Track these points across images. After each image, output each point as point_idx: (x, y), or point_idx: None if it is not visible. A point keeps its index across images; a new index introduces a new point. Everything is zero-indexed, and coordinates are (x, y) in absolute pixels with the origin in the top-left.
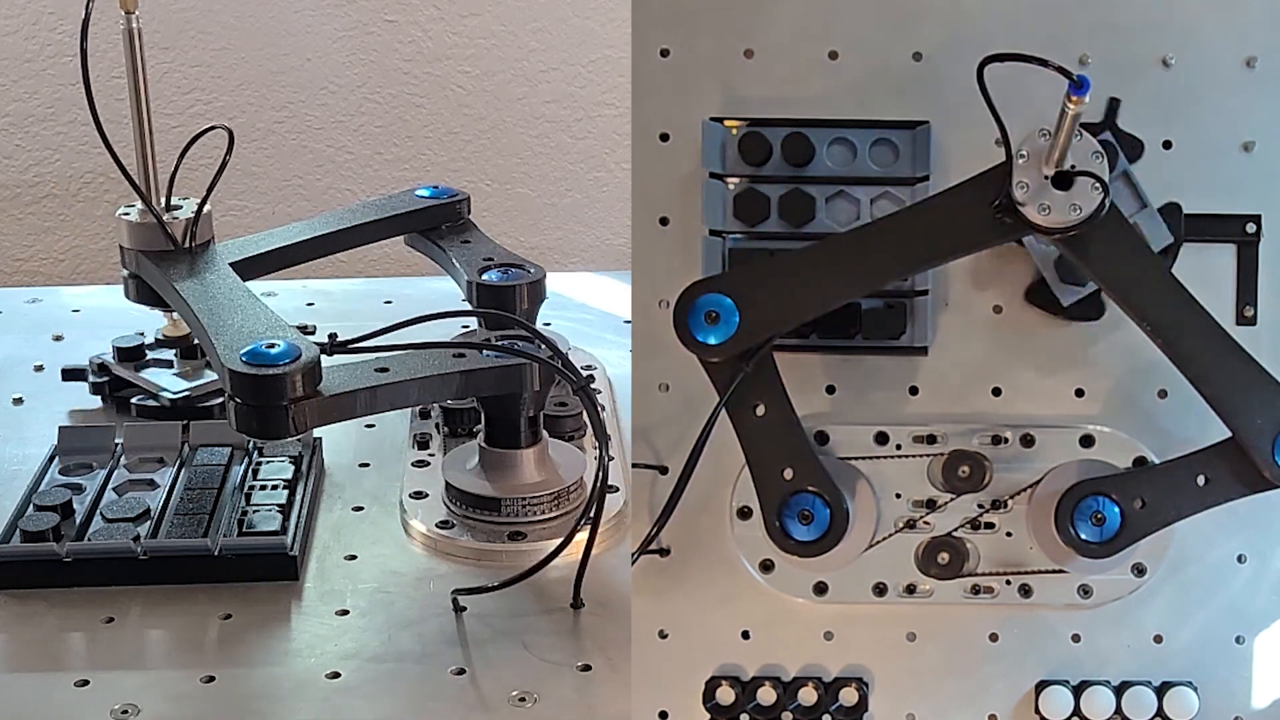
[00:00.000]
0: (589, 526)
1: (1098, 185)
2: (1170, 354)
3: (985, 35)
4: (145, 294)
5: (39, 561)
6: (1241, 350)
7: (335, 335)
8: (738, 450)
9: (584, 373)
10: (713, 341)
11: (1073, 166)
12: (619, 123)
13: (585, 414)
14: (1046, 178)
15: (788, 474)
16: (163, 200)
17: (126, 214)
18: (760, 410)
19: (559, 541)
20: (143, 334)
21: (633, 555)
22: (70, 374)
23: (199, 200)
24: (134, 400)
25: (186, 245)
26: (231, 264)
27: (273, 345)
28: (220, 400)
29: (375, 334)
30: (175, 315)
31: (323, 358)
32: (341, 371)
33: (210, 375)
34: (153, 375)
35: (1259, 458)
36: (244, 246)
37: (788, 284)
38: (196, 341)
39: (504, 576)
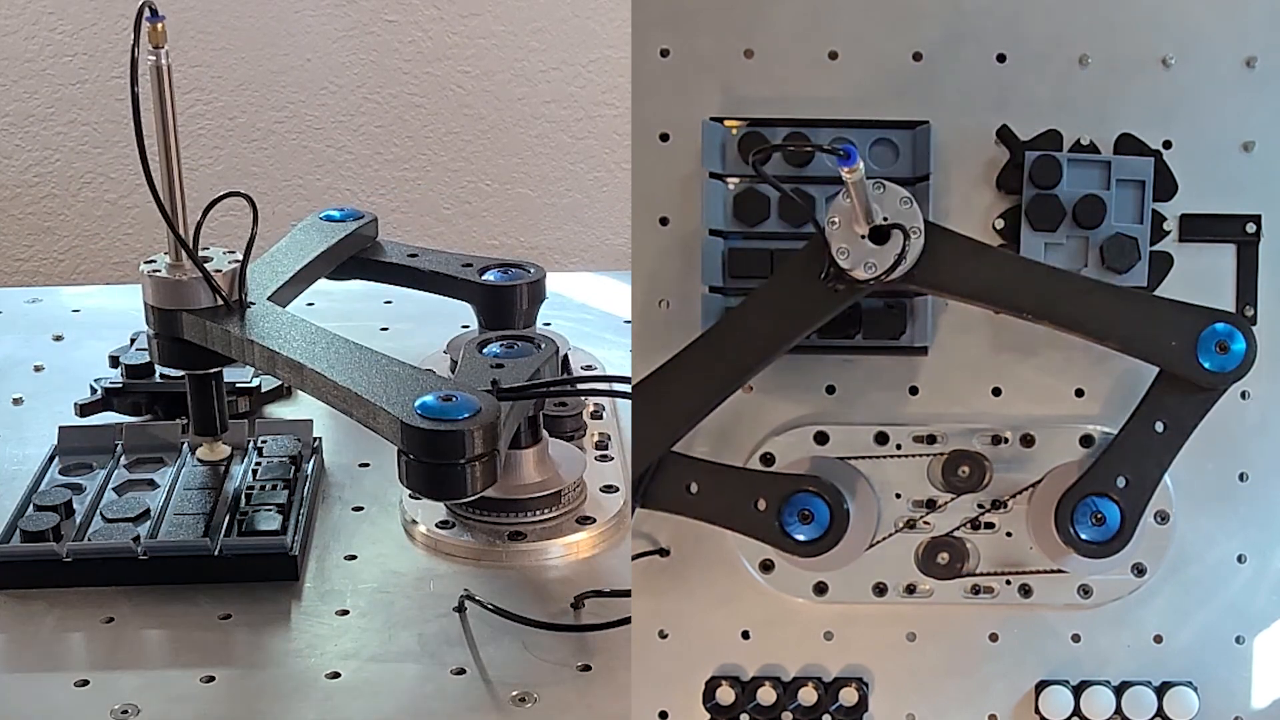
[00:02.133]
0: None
1: (914, 229)
2: (1065, 329)
3: (985, 35)
4: (185, 356)
5: (39, 561)
6: (1122, 291)
7: (497, 382)
8: (738, 450)
9: (584, 373)
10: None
11: (885, 219)
12: (619, 123)
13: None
14: (863, 237)
15: (761, 504)
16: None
17: (154, 269)
18: (694, 488)
19: (560, 543)
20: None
21: (634, 556)
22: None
23: (225, 250)
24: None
25: (238, 300)
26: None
27: (449, 399)
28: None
29: (541, 385)
30: (211, 441)
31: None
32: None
33: None
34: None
35: (1190, 374)
36: (262, 281)
37: (657, 406)
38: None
39: (504, 577)
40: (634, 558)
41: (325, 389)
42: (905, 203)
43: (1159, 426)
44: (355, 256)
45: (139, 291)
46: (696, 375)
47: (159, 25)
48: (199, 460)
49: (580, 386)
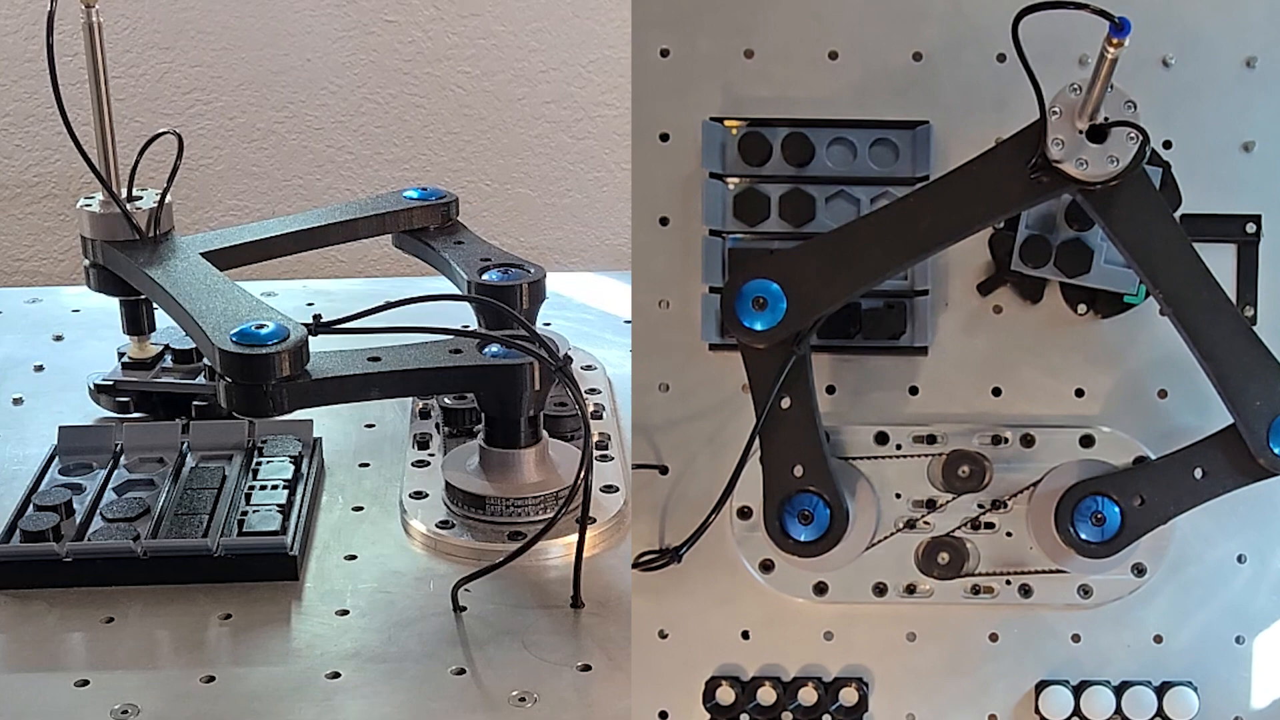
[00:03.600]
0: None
1: (1134, 134)
2: (1178, 324)
3: (985, 35)
4: (109, 283)
5: (39, 561)
6: (1249, 330)
7: (319, 316)
8: (738, 450)
9: (583, 373)
10: (760, 328)
11: (1106, 119)
12: (619, 123)
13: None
14: (1081, 132)
15: (798, 470)
16: (123, 191)
17: (88, 205)
18: (786, 404)
19: (560, 543)
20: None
21: (634, 562)
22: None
23: (160, 191)
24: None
25: (151, 234)
26: (206, 253)
27: (262, 326)
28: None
29: (360, 314)
30: (140, 338)
31: (314, 341)
32: (335, 358)
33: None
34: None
35: (1254, 443)
36: (210, 240)
37: (832, 263)
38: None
39: (504, 577)
40: (634, 468)
41: (181, 318)
42: (1130, 107)
43: (1198, 473)
44: (420, 231)
45: None
46: (885, 235)
47: None
48: (129, 358)
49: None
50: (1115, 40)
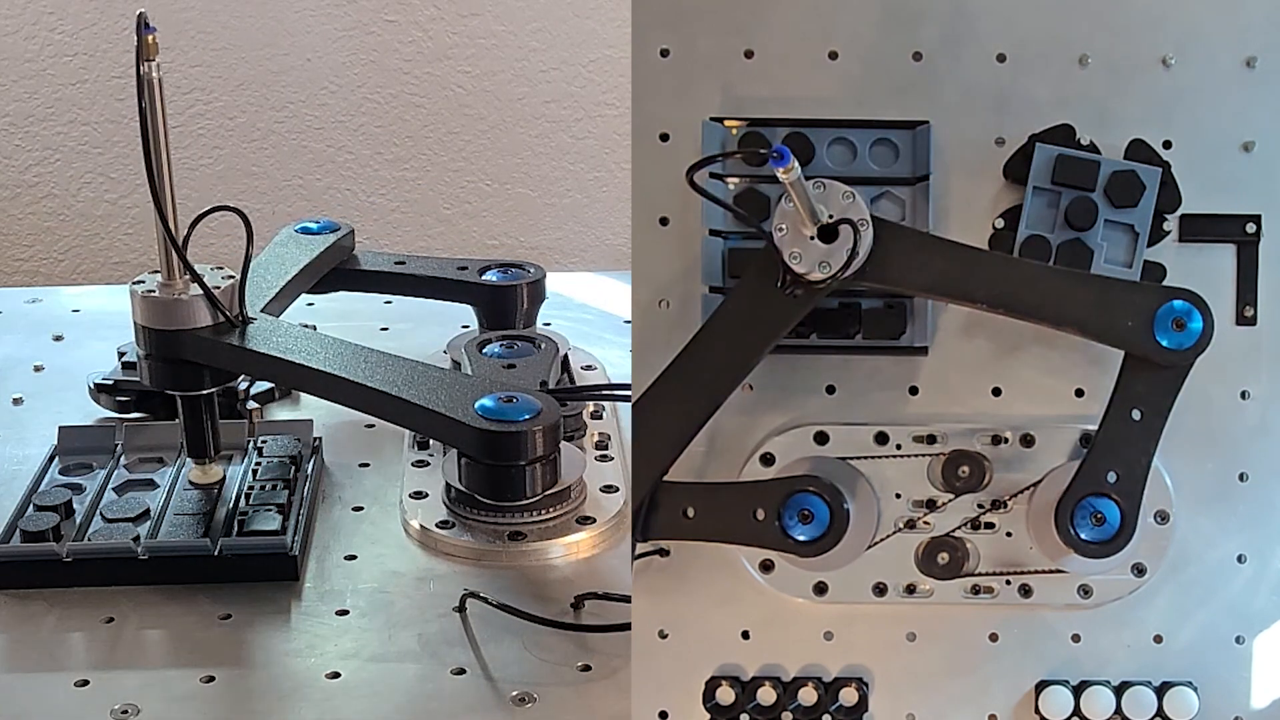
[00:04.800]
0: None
1: (861, 223)
2: (1020, 317)
3: (985, 35)
4: (181, 377)
5: (39, 561)
6: (1076, 275)
7: (545, 383)
8: (738, 450)
9: (583, 373)
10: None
11: (831, 216)
12: (619, 123)
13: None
14: (812, 238)
15: (760, 514)
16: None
17: (147, 289)
18: (691, 512)
19: (560, 543)
20: None
21: (634, 556)
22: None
23: (213, 267)
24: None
25: (240, 317)
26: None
27: (510, 400)
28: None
29: (588, 388)
30: (205, 466)
31: None
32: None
33: None
34: None
35: (1149, 353)
36: (263, 301)
37: (645, 435)
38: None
39: (504, 577)
40: (634, 558)
41: (360, 397)
42: (848, 198)
43: (1135, 414)
44: (338, 269)
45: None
46: (676, 399)
47: (151, 38)
48: (191, 483)
49: (618, 393)
50: (781, 170)
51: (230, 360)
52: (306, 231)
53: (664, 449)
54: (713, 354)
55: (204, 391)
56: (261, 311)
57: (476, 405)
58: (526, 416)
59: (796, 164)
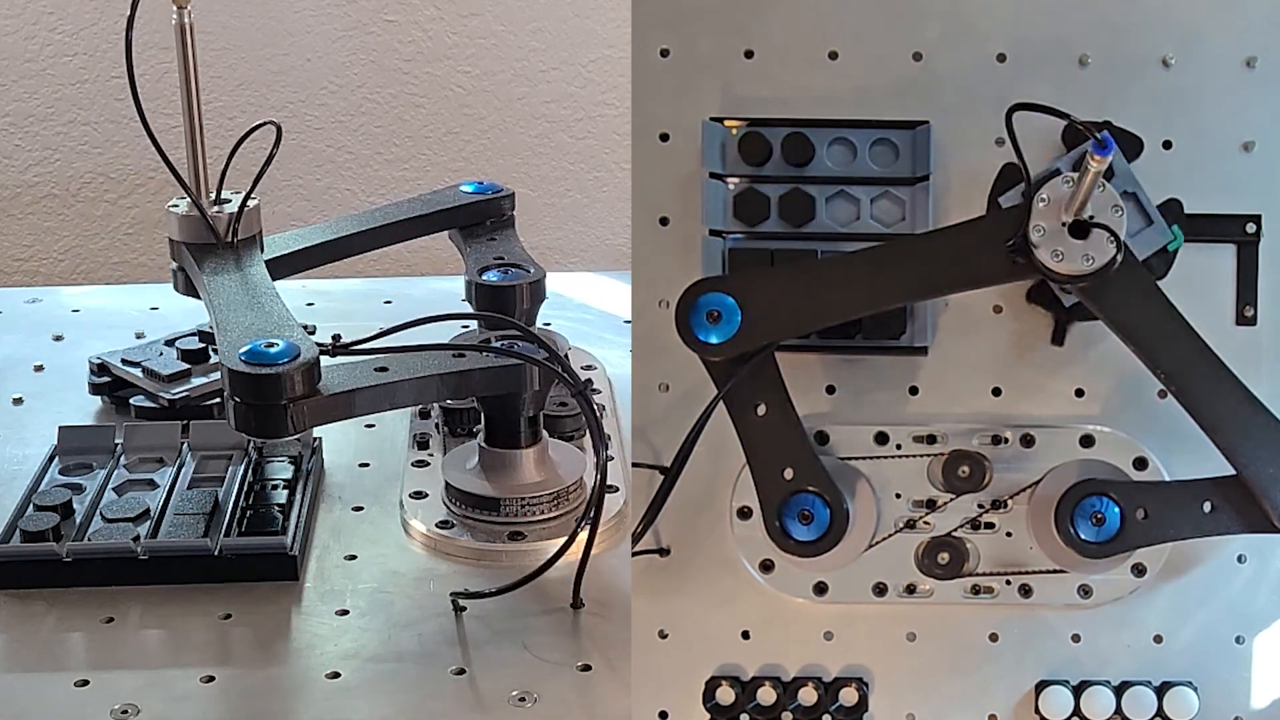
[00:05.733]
0: (589, 527)
1: (1112, 239)
2: (1183, 402)
3: (985, 35)
4: (190, 288)
5: (39, 561)
6: (1254, 400)
7: (339, 336)
8: (738, 450)
9: (584, 373)
10: (714, 341)
11: (1091, 217)
12: (619, 123)
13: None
14: (1063, 224)
15: (788, 474)
16: (211, 194)
17: (175, 207)
18: (761, 410)
19: (559, 543)
20: (142, 334)
21: (634, 551)
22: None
23: (240, 193)
24: (132, 401)
25: (230, 240)
26: (272, 259)
27: (272, 344)
28: (218, 401)
29: (376, 335)
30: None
31: (324, 358)
32: (341, 371)
33: (212, 376)
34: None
35: (1269, 506)
36: (287, 241)
37: (793, 293)
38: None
39: (504, 577)
40: (634, 554)
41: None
42: (1117, 210)
43: (1207, 508)
44: (484, 222)
45: (139, 291)
46: (851, 280)
47: None
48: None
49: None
50: (1097, 157)
51: (195, 278)
52: (466, 190)
53: (798, 321)
54: (909, 259)
55: None
56: (292, 254)
57: (241, 351)
58: (285, 361)
59: (1114, 157)
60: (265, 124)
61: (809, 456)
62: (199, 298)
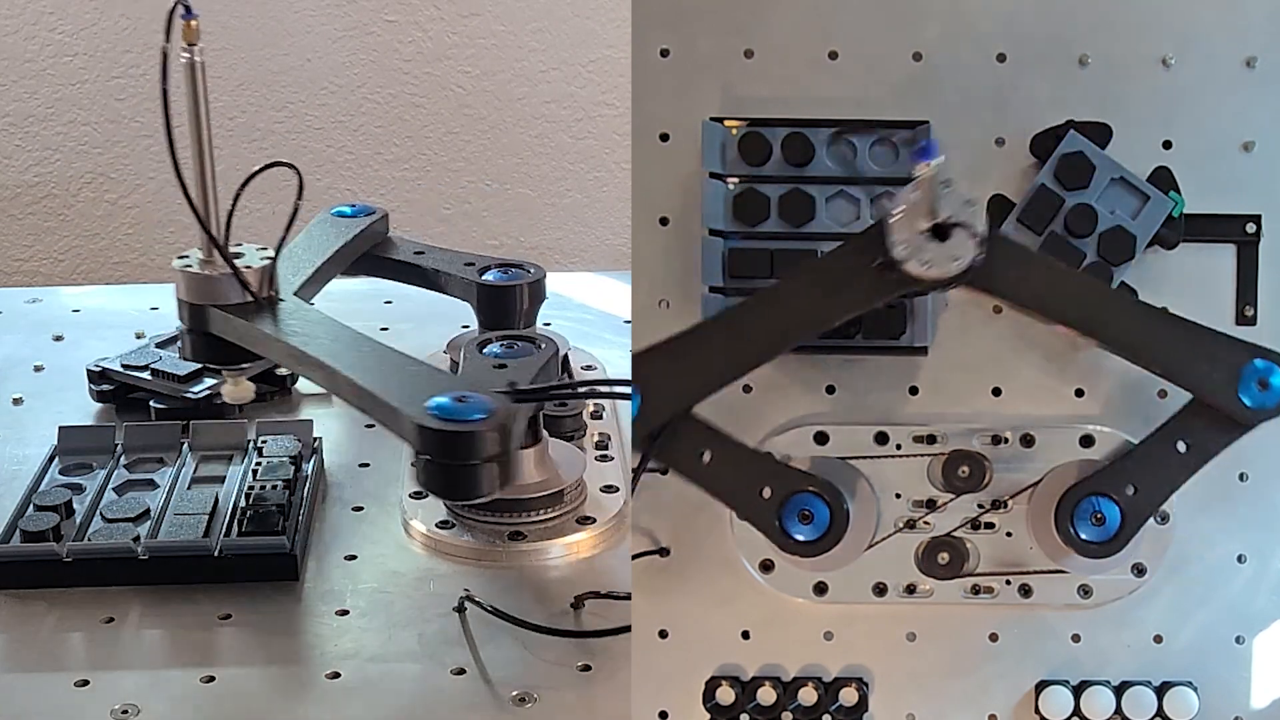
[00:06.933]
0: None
1: (973, 234)
2: (1110, 348)
3: (985, 35)
4: (214, 351)
5: (39, 561)
6: (1174, 319)
7: (515, 383)
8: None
9: (584, 373)
10: (634, 416)
11: (948, 218)
12: (619, 123)
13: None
14: (923, 232)
15: (766, 492)
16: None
17: (186, 264)
18: (707, 457)
19: (560, 542)
20: (142, 334)
21: (633, 555)
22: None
23: (257, 247)
24: (152, 404)
25: (266, 295)
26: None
27: (463, 399)
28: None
29: (557, 387)
30: (237, 374)
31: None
32: None
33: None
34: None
35: (1228, 408)
36: (295, 278)
37: (683, 365)
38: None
39: (504, 577)
40: (634, 557)
41: (348, 390)
42: (970, 205)
43: (1181, 446)
44: (369, 254)
45: (139, 291)
46: (734, 338)
47: (192, 23)
48: (224, 400)
49: (597, 390)
50: (923, 164)
51: (249, 339)
52: (341, 215)
53: (701, 383)
54: (785, 304)
55: (241, 366)
56: (295, 294)
57: (431, 404)
58: (479, 416)
59: (942, 159)
60: (275, 165)
61: (777, 468)
62: (224, 363)
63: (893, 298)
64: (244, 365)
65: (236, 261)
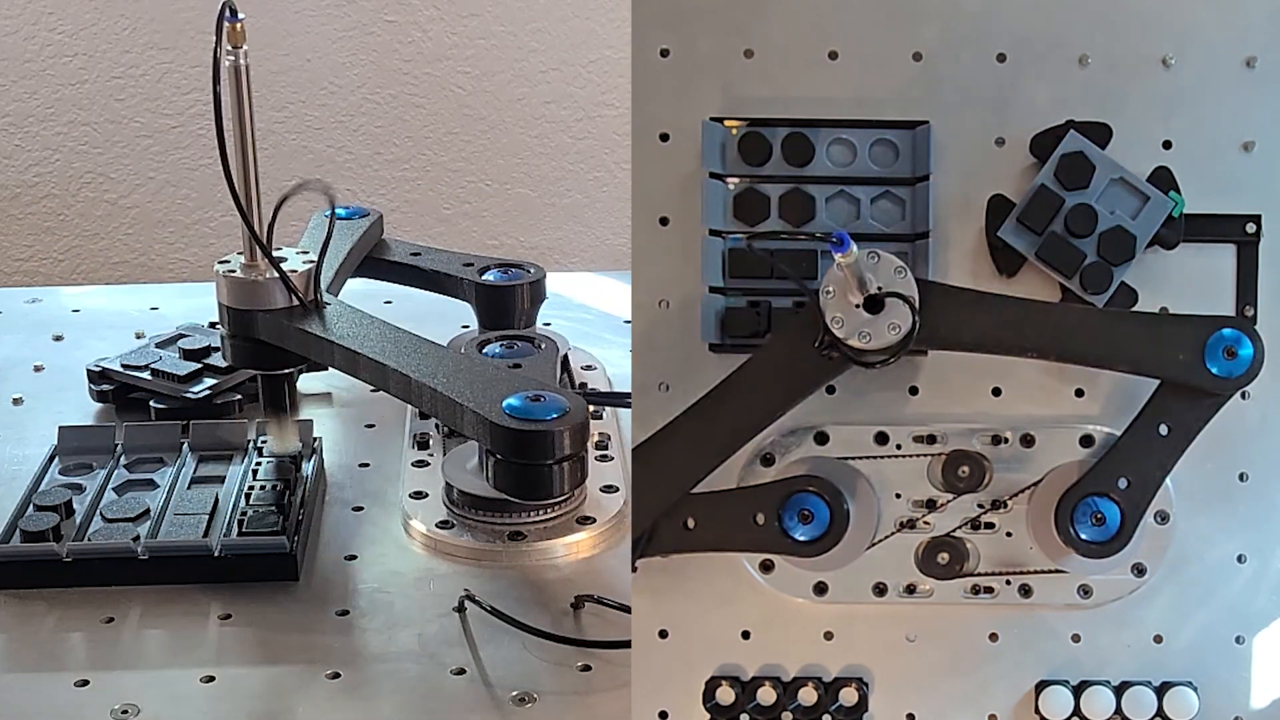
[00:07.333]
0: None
1: (905, 302)
2: (1071, 362)
3: (985, 35)
4: (259, 355)
5: (39, 561)
6: (1123, 315)
7: (585, 385)
8: (738, 451)
9: (584, 373)
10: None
11: (880, 288)
12: (619, 123)
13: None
14: (857, 306)
15: (760, 518)
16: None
17: (228, 268)
18: (691, 523)
19: (559, 542)
20: (142, 334)
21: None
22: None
23: (298, 250)
24: (152, 404)
25: (313, 300)
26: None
27: (538, 398)
28: (239, 397)
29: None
30: (282, 419)
31: None
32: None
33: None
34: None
35: (1200, 382)
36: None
37: (653, 471)
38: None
39: (504, 577)
40: (635, 570)
41: (409, 390)
42: (900, 272)
43: (1163, 430)
44: (369, 255)
45: (139, 291)
46: (694, 441)
47: (238, 25)
48: (269, 454)
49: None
50: (840, 255)
51: (298, 343)
52: (339, 218)
53: (672, 487)
54: (737, 400)
55: (284, 371)
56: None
57: (504, 404)
58: (554, 415)
59: (855, 247)
60: (310, 181)
61: (756, 491)
62: (270, 367)
63: (841, 374)
64: (293, 418)
65: (281, 266)
